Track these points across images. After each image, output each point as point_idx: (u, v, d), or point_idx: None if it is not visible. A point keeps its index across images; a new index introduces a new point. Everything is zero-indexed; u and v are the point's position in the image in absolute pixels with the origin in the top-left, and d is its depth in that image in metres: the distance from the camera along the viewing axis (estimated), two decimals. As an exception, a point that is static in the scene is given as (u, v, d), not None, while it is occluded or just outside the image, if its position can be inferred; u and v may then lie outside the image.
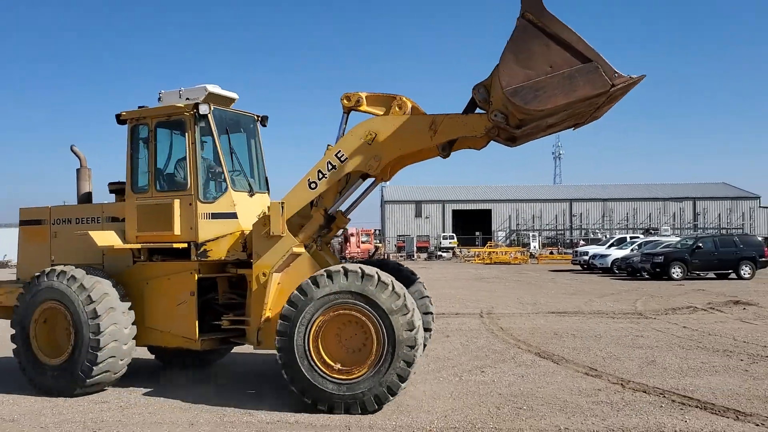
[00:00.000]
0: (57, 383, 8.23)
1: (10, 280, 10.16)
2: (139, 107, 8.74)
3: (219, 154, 8.52)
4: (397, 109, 7.95)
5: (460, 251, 59.57)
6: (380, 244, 53.90)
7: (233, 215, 8.48)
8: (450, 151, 8.06)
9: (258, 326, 8.03)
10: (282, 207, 7.97)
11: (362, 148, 7.89)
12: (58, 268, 8.37)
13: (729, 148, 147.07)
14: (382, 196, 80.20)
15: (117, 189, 9.29)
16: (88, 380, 8.08)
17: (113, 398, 8.29)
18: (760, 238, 33.93)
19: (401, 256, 61.09)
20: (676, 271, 27.58)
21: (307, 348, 7.36)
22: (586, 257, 36.30)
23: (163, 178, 8.72)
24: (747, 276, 27.72)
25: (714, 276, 29.10)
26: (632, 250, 33.46)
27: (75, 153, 9.85)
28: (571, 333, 13.22)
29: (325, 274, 7.41)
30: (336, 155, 7.98)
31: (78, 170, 9.87)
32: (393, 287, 7.33)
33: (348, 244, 45.11)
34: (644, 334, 12.89)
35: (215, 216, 8.40)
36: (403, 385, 7.32)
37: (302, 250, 8.15)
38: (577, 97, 6.82)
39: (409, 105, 7.97)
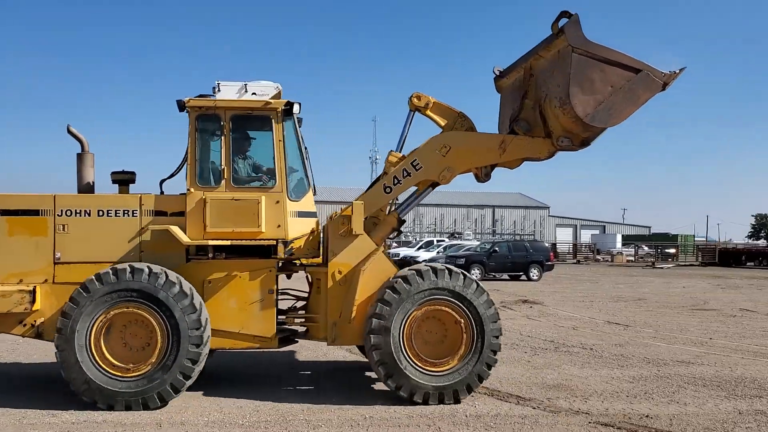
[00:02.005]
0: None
1: None
2: (201, 96, 8.13)
3: (301, 152, 8.47)
4: (459, 125, 8.69)
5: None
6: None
7: (314, 214, 8.55)
8: (491, 176, 8.94)
9: (333, 323, 8.13)
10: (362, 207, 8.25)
11: (437, 160, 8.46)
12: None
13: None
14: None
15: (122, 179, 8.51)
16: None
17: None
18: (547, 244, 37.79)
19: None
20: (475, 273, 29.82)
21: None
22: (397, 258, 38.12)
23: (240, 173, 8.28)
24: (535, 278, 30.72)
25: (508, 277, 31.85)
26: (438, 252, 35.74)
27: (74, 135, 8.56)
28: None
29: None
30: (412, 163, 8.49)
31: (79, 155, 8.57)
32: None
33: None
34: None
35: (301, 214, 8.34)
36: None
37: (382, 249, 8.39)
38: (641, 103, 8.04)
39: (470, 123, 8.73)
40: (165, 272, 7.57)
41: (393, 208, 8.97)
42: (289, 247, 8.18)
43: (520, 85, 8.90)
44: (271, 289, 8.11)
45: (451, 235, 62.75)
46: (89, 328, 7.42)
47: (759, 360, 10.72)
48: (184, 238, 7.82)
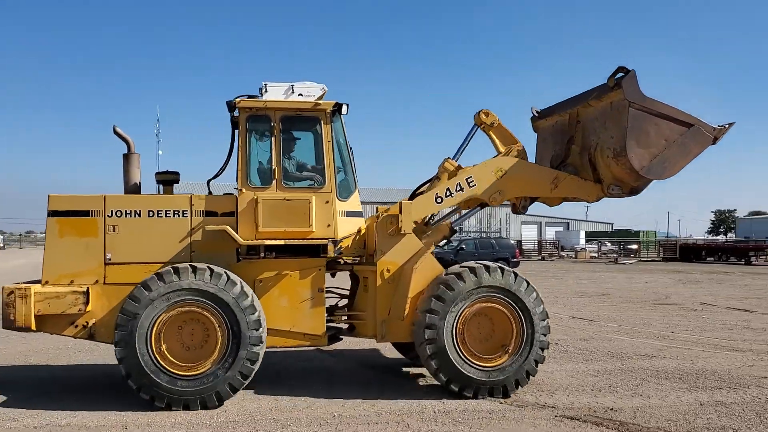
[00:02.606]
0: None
1: (33, 280, 8.24)
2: (249, 97, 8.19)
3: (348, 153, 8.54)
4: (515, 153, 8.93)
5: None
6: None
7: (360, 213, 8.64)
8: (527, 209, 9.24)
9: (382, 320, 8.29)
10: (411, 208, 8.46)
11: (491, 181, 8.73)
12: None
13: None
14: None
15: (166, 179, 8.55)
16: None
17: None
18: (513, 242, 38.08)
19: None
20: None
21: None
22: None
23: (290, 173, 8.33)
24: (501, 275, 30.92)
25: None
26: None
27: (120, 136, 8.54)
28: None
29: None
30: (467, 179, 8.72)
31: (125, 155, 8.56)
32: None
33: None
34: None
35: (348, 214, 8.42)
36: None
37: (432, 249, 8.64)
38: (693, 156, 8.47)
39: (524, 155, 9.03)
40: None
41: (437, 218, 9.31)
42: (338, 246, 8.33)
43: (562, 129, 9.37)
44: (320, 287, 8.23)
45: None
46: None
47: (719, 352, 10.97)
48: (240, 239, 7.87)
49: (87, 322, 7.78)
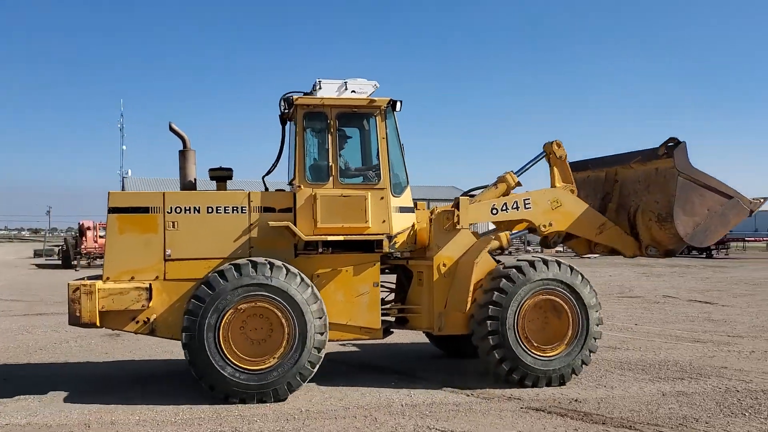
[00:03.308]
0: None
1: (95, 275, 8.35)
2: (306, 94, 8.37)
3: (400, 149, 8.60)
4: (568, 192, 9.30)
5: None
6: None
7: (412, 209, 8.71)
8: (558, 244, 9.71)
9: (439, 313, 8.50)
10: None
11: (545, 209, 9.10)
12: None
13: (457, 155, 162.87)
14: (123, 187, 75.52)
15: (220, 176, 8.64)
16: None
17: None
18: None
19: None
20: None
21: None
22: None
23: (346, 169, 8.48)
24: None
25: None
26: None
27: (176, 132, 8.62)
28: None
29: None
30: (524, 200, 9.11)
31: (182, 152, 8.64)
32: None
33: (84, 238, 41.82)
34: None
35: (402, 210, 8.52)
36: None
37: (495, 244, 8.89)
38: (731, 227, 9.12)
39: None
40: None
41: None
42: (393, 241, 8.38)
43: (596, 185, 9.96)
44: (375, 282, 8.38)
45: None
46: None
47: (681, 344, 11.19)
48: (302, 234, 7.94)
49: (148, 318, 7.83)
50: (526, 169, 9.59)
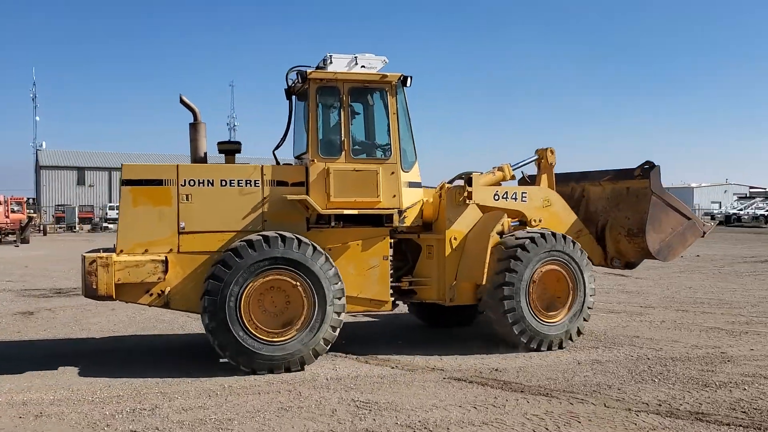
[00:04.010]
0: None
1: (106, 248, 8.28)
2: (318, 68, 8.46)
3: (409, 124, 8.67)
4: (557, 194, 9.85)
5: (129, 222, 56.72)
6: (34, 214, 48.68)
7: (420, 184, 8.89)
8: None
9: (450, 285, 8.80)
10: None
11: (538, 206, 9.54)
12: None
13: (424, 148, 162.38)
14: (37, 160, 72.40)
15: (229, 149, 8.69)
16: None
17: None
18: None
19: (60, 228, 56.06)
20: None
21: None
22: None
23: (358, 144, 8.62)
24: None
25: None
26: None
27: (186, 105, 8.57)
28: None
29: (539, 235, 8.78)
30: (522, 193, 9.50)
31: (192, 125, 8.58)
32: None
33: (-6, 213, 39.83)
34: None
35: (411, 185, 8.68)
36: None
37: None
38: (688, 246, 9.88)
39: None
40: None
41: None
42: (403, 216, 8.54)
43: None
44: (385, 255, 8.55)
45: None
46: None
47: (596, 314, 11.61)
48: (319, 208, 8.04)
49: (162, 291, 7.81)
50: (520, 167, 10.12)
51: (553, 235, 8.91)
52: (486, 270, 8.67)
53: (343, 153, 8.30)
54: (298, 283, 7.75)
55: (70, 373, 7.80)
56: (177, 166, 7.98)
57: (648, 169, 9.36)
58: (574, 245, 8.99)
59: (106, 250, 8.00)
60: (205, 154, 8.65)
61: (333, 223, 8.34)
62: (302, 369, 7.75)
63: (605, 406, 6.43)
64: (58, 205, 66.71)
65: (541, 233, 8.86)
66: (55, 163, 71.99)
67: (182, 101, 8.61)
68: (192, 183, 7.97)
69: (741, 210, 58.34)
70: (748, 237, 37.60)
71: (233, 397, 6.78)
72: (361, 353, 8.68)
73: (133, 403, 6.59)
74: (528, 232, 8.92)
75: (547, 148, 9.94)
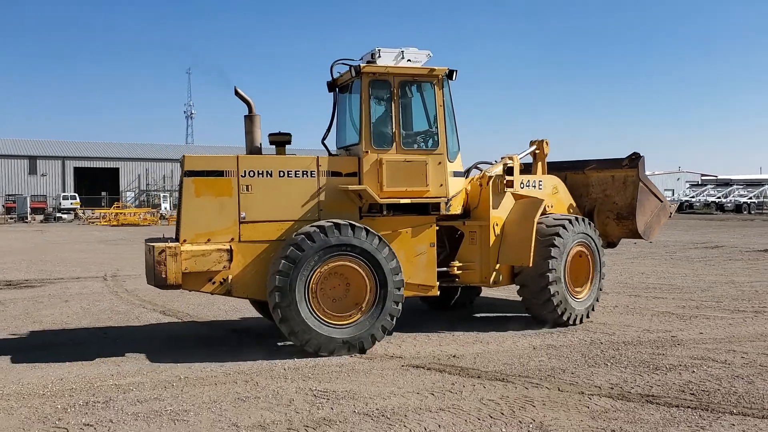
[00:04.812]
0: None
1: (167, 238, 8.49)
2: (368, 62, 8.67)
3: (453, 116, 9.07)
4: (561, 181, 10.60)
5: (84, 213, 55.61)
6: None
7: (462, 173, 9.34)
8: None
9: (494, 268, 9.34)
10: None
11: (549, 193, 10.17)
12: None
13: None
14: (-13, 149, 70.17)
15: (279, 140, 8.80)
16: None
17: None
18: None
19: (11, 218, 54.57)
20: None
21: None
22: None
23: (408, 135, 8.97)
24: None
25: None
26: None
27: (241, 97, 8.70)
28: (197, 290, 13.60)
29: (568, 221, 9.54)
30: (539, 182, 10.18)
31: (247, 117, 8.73)
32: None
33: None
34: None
35: (456, 174, 9.04)
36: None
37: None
38: (662, 225, 11.08)
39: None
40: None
41: None
42: (449, 204, 8.89)
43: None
44: (432, 242, 8.86)
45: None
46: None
47: (552, 300, 11.83)
48: (378, 198, 8.36)
49: (224, 279, 7.99)
50: (522, 156, 10.46)
51: (581, 220, 9.77)
52: (532, 253, 9.16)
53: (395, 144, 8.63)
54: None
55: (20, 367, 7.63)
56: (237, 157, 8.20)
57: (635, 159, 10.34)
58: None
59: (159, 240, 8.24)
60: (260, 145, 8.77)
61: (385, 212, 8.68)
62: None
63: (559, 390, 6.56)
64: (9, 195, 64.80)
65: (569, 219, 9.61)
66: (5, 151, 69.85)
67: (237, 93, 8.74)
68: (252, 174, 8.17)
69: (693, 197, 59.89)
70: (700, 223, 38.59)
71: (189, 388, 6.71)
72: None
73: (86, 396, 6.47)
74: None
75: (543, 140, 10.57)
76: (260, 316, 9.83)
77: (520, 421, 5.68)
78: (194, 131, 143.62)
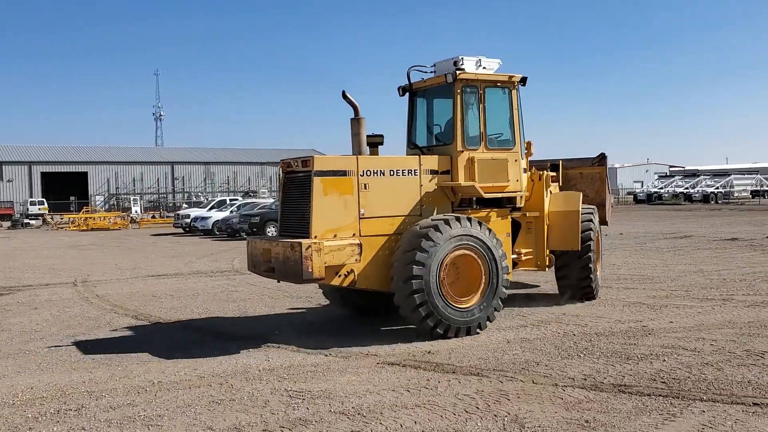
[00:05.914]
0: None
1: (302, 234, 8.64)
2: (459, 69, 9.40)
3: (522, 117, 10.06)
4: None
5: (52, 218, 54.69)
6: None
7: (526, 170, 10.25)
8: None
9: (547, 255, 10.56)
10: None
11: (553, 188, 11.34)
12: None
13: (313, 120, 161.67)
14: (-49, 156, 68.63)
15: (374, 142, 9.64)
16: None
17: None
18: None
19: (-22, 226, 53.42)
20: (271, 231, 29.69)
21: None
22: (188, 220, 36.67)
23: (491, 135, 9.73)
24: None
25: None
26: (232, 211, 34.85)
27: (348, 101, 9.22)
28: (170, 294, 13.48)
29: (594, 209, 11.34)
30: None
31: (354, 120, 9.29)
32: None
33: None
34: (239, 289, 13.82)
35: (524, 171, 10.09)
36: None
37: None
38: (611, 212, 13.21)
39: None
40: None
41: None
42: (522, 197, 10.08)
43: None
44: (507, 232, 9.86)
45: (246, 194, 61.81)
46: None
47: (524, 294, 11.94)
48: (482, 192, 9.35)
49: (349, 271, 8.50)
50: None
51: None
52: (579, 240, 10.45)
53: (482, 143, 9.51)
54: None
55: (-11, 376, 7.48)
56: (357, 158, 8.84)
57: (604, 159, 12.37)
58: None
59: (268, 238, 9.10)
60: (368, 146, 9.46)
61: (474, 206, 9.61)
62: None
63: (533, 382, 6.62)
64: (-25, 202, 63.47)
65: (591, 207, 11.13)
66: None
67: (345, 97, 9.23)
68: (369, 173, 8.81)
69: (662, 188, 60.77)
70: (669, 214, 39.11)
71: (163, 393, 6.65)
72: (294, 343, 8.64)
73: (57, 404, 6.37)
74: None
75: (528, 141, 10.94)
76: (234, 316, 9.76)
77: (495, 415, 5.72)
78: (164, 133, 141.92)
